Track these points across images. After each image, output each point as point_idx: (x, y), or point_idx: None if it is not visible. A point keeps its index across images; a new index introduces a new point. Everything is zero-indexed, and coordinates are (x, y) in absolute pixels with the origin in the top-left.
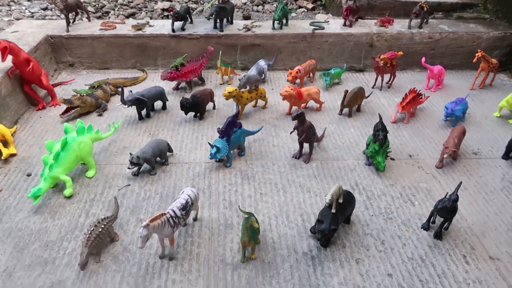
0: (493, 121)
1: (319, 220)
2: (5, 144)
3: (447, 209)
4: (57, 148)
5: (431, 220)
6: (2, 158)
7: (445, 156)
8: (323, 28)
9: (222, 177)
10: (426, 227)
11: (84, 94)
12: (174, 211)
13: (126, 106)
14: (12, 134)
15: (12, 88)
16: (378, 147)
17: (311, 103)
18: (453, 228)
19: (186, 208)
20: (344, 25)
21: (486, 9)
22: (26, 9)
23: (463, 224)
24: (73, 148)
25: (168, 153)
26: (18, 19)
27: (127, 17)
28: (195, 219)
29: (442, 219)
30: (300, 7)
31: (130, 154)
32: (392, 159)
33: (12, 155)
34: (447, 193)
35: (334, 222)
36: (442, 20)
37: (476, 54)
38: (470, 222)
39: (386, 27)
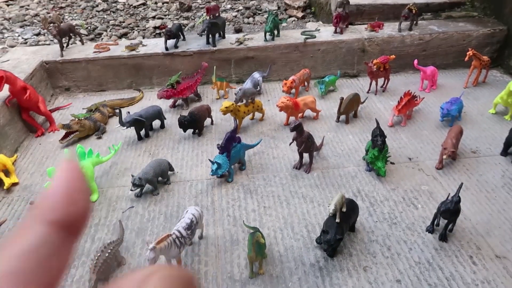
0: (489, 118)
1: (324, 231)
2: (7, 173)
3: (450, 211)
4: None
5: (435, 223)
6: (4, 188)
7: (444, 157)
8: (315, 37)
9: (225, 192)
10: (430, 230)
11: (82, 118)
12: (179, 231)
13: (125, 127)
14: (12, 163)
15: (11, 117)
16: (378, 153)
17: (308, 112)
18: (457, 229)
19: (191, 227)
20: (335, 32)
21: (474, 7)
22: (19, 35)
23: (467, 224)
24: None
25: (169, 172)
26: (12, 46)
27: (120, 37)
28: (200, 238)
29: (446, 221)
30: (290, 16)
31: (132, 176)
32: (392, 163)
33: (14, 184)
34: (449, 194)
35: (339, 231)
36: (431, 20)
37: (468, 53)
38: (474, 222)
39: (376, 32)
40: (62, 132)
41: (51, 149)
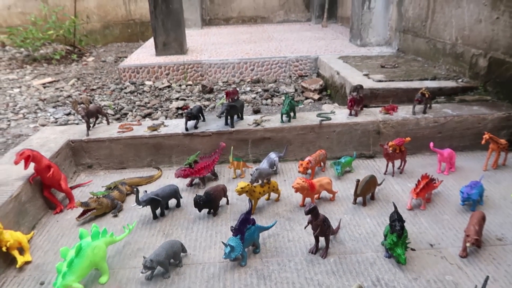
0: None
1: None
2: (21, 251)
3: None
4: (71, 255)
5: None
6: (17, 266)
7: (468, 244)
8: (330, 119)
9: (238, 277)
10: None
11: (100, 196)
12: None
13: (141, 206)
14: (28, 240)
15: (32, 194)
16: (396, 238)
17: (325, 193)
18: None
19: None
20: (350, 114)
21: (487, 91)
22: (51, 115)
23: None
24: (87, 254)
25: (182, 254)
26: (43, 125)
27: (144, 117)
28: None
29: None
30: (307, 98)
31: (144, 257)
32: (412, 249)
33: (27, 262)
34: (476, 286)
35: None
36: (445, 104)
37: (484, 136)
38: None
39: (391, 114)
40: (80, 209)
41: (68, 227)
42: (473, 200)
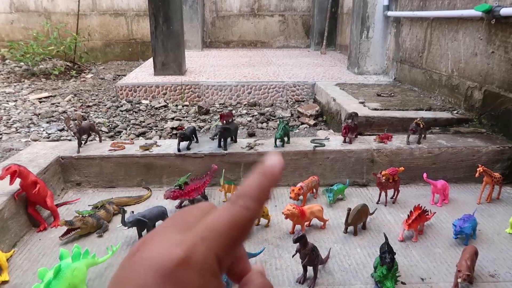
0: (506, 238)
1: None
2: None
3: None
4: (49, 276)
5: None
6: None
7: (459, 280)
8: (324, 145)
9: None
10: None
11: (86, 215)
12: None
13: (127, 227)
14: (8, 259)
15: (16, 210)
16: (386, 271)
17: (315, 220)
18: None
19: None
20: (344, 141)
21: (482, 124)
22: (44, 130)
23: None
24: (66, 276)
25: None
26: (35, 140)
27: (138, 135)
28: None
29: None
30: (302, 123)
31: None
32: (403, 283)
33: (4, 282)
34: None
35: None
36: (439, 135)
37: (478, 169)
38: None
39: (385, 143)
40: (64, 228)
41: (50, 246)
42: (466, 234)
